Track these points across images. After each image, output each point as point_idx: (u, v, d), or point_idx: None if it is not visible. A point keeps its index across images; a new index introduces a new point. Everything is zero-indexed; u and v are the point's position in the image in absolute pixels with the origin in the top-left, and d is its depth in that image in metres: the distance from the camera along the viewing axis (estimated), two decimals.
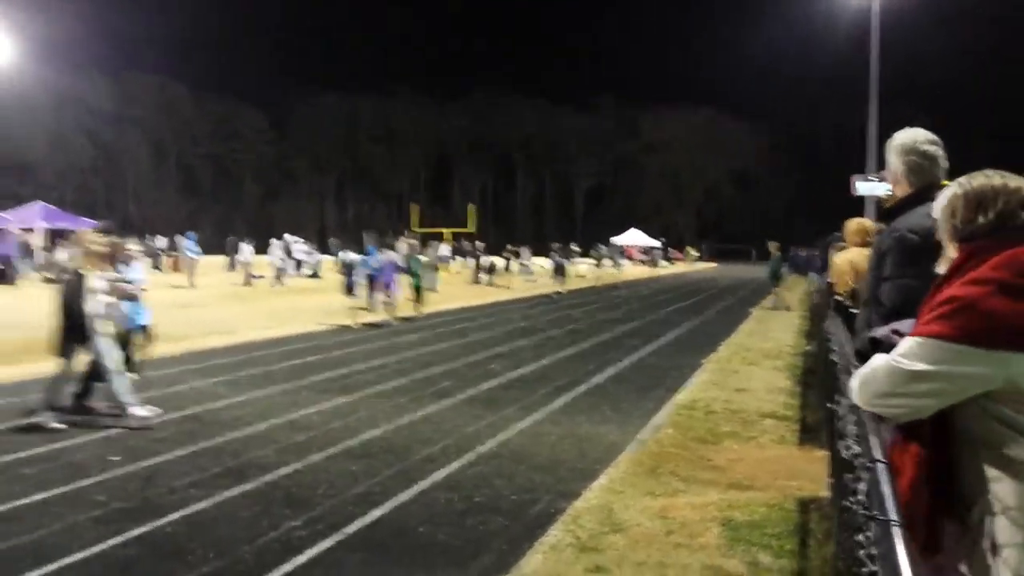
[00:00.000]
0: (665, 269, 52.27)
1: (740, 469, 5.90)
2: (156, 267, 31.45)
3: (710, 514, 4.84)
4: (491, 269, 30.64)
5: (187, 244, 26.84)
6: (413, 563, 4.22)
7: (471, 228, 55.33)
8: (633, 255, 56.91)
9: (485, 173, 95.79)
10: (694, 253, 63.72)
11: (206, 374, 9.54)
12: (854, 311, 4.41)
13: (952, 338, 1.66)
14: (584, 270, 37.46)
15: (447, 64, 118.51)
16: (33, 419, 6.93)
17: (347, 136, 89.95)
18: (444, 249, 38.41)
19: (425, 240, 32.68)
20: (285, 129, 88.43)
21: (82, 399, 7.39)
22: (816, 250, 24.66)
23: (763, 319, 18.64)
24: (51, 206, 35.73)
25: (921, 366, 1.69)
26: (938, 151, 3.04)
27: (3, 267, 24.69)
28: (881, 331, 2.09)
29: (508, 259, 31.52)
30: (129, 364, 8.98)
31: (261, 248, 31.80)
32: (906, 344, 1.75)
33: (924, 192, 2.95)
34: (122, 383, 7.02)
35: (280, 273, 27.41)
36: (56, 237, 33.69)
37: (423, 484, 5.50)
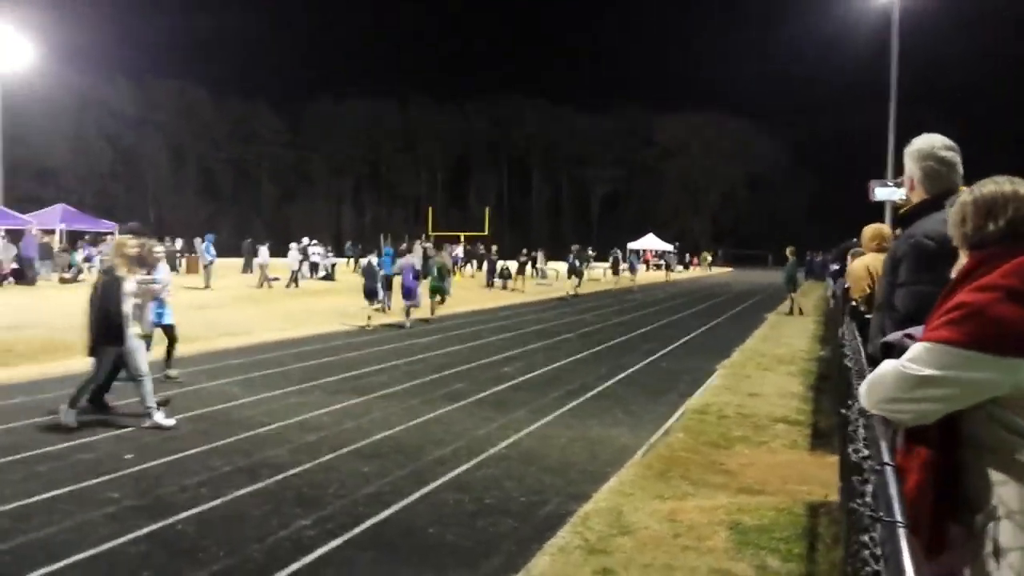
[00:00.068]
0: (680, 274, 52.08)
1: (751, 473, 5.86)
2: (174, 269, 31.74)
3: (719, 517, 4.82)
4: (505, 273, 30.66)
5: (204, 246, 27.06)
6: (422, 563, 4.22)
7: (486, 232, 55.41)
8: (649, 260, 56.80)
9: (501, 177, 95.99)
10: (708, 258, 63.44)
11: (220, 374, 9.61)
12: (869, 316, 4.37)
13: (961, 344, 1.65)
14: (598, 274, 37.45)
15: (465, 68, 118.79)
16: (53, 416, 7.02)
17: (365, 139, 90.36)
18: (457, 252, 38.56)
19: (440, 243, 32.75)
20: (303, 132, 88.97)
21: (100, 398, 7.47)
22: (832, 255, 24.50)
23: (778, 324, 18.53)
24: (71, 208, 36.20)
25: (929, 371, 1.69)
26: (955, 157, 3.01)
27: (24, 268, 25.02)
28: (894, 336, 2.08)
29: (523, 263, 31.50)
30: (167, 363, 9.15)
31: (277, 250, 32.03)
32: (915, 349, 1.75)
33: (940, 198, 2.92)
34: (149, 386, 7.08)
35: (296, 275, 27.58)
36: (76, 239, 34.21)
37: (433, 485, 5.50)
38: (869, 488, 1.99)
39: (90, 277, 29.47)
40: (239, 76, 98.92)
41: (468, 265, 41.19)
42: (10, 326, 13.71)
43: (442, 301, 17.46)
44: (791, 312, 21.01)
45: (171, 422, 6.98)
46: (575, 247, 28.65)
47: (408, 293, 15.96)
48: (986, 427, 1.69)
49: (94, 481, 5.40)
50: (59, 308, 17.53)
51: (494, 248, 33.19)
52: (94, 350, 7.11)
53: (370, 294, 16.23)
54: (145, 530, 4.53)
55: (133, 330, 7.10)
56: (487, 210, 62.72)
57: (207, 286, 24.33)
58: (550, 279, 36.43)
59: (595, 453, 6.47)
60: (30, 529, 4.51)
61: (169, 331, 9.23)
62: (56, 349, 11.30)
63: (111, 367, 7.25)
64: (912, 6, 25.56)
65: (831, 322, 13.11)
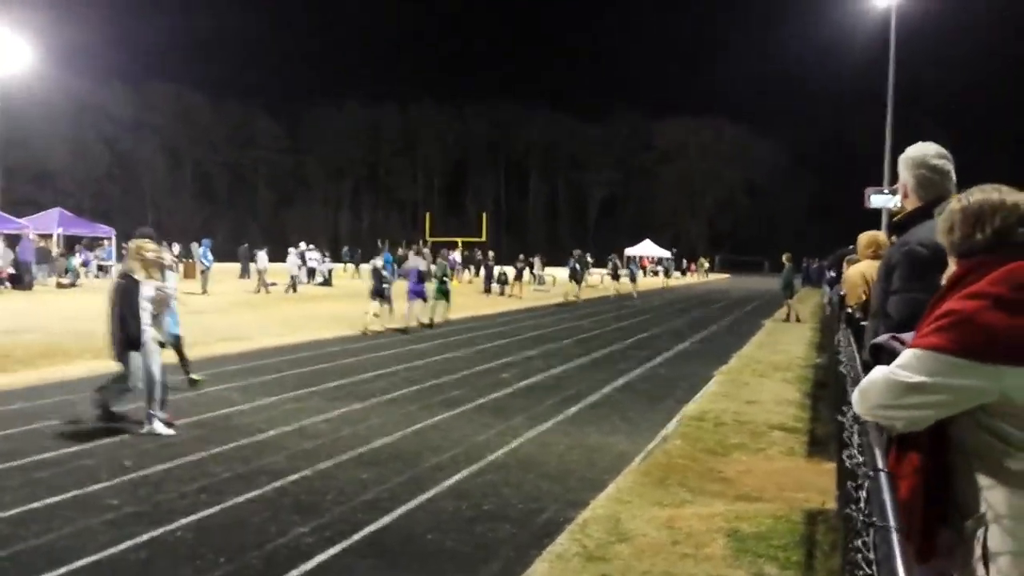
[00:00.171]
0: (678, 280, 52.13)
1: (748, 481, 5.89)
2: None
3: (716, 525, 4.84)
4: (503, 278, 30.71)
5: (200, 251, 27.07)
6: (421, 570, 4.24)
7: (483, 237, 55.43)
8: (646, 265, 56.84)
9: (499, 181, 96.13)
10: (706, 264, 63.55)
11: (218, 380, 9.61)
12: (865, 323, 4.41)
13: (949, 351, 1.68)
14: (596, 280, 37.47)
15: (462, 72, 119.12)
16: (80, 416, 7.13)
17: (362, 144, 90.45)
18: (454, 257, 38.57)
19: (436, 249, 32.77)
20: (300, 136, 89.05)
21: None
22: (828, 262, 24.55)
23: (775, 331, 18.57)
24: (68, 213, 36.17)
25: (918, 378, 1.72)
26: (948, 165, 3.05)
27: (21, 273, 25.00)
28: (882, 338, 2.11)
29: (520, 269, 31.54)
30: (186, 370, 9.15)
31: (274, 256, 32.04)
32: (904, 356, 1.78)
33: (933, 206, 2.96)
34: (157, 393, 7.08)
35: (294, 281, 27.61)
36: (73, 243, 34.18)
37: (432, 492, 5.52)
38: (863, 494, 2.03)
39: (87, 282, 29.49)
40: (236, 80, 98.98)
41: (466, 271, 41.22)
42: (7, 331, 13.70)
43: (445, 305, 17.81)
44: (788, 319, 21.06)
45: (170, 431, 6.97)
46: (576, 252, 28.67)
47: (414, 295, 16.37)
48: (974, 433, 1.73)
49: (94, 487, 5.41)
50: (56, 313, 17.52)
51: (491, 254, 33.19)
52: (120, 355, 7.08)
53: (377, 294, 16.38)
54: (145, 537, 4.54)
55: (150, 334, 7.10)
56: (484, 215, 62.77)
57: (204, 291, 24.33)
58: (548, 285, 36.46)
59: (593, 460, 6.49)
60: (29, 536, 4.52)
61: (176, 340, 9.19)
62: (54, 354, 11.30)
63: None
64: (910, 15, 25.69)
65: (828, 329, 13.15)
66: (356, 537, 4.64)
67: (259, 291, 26.22)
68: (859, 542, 1.79)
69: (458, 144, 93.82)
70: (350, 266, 45.57)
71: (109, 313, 7.12)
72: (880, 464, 1.99)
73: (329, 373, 10.55)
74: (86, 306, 19.26)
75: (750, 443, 7.13)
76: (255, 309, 20.28)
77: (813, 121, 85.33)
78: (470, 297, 26.69)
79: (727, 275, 66.57)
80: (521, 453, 6.66)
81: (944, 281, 1.89)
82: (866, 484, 2.00)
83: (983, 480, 1.71)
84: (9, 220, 29.48)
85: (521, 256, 33.12)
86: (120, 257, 38.00)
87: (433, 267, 18.04)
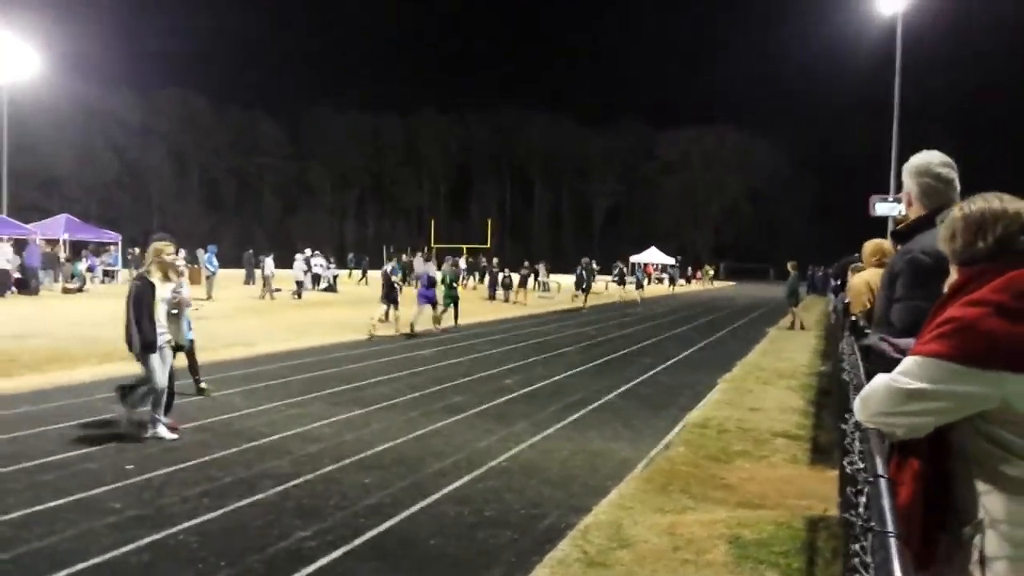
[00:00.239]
0: (683, 287, 52.09)
1: (750, 488, 5.88)
2: None
3: (718, 531, 4.83)
4: (507, 282, 30.79)
5: (206, 257, 27.15)
6: (423, 574, 4.24)
7: (488, 244, 55.52)
8: (651, 273, 56.82)
9: (503, 189, 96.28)
10: (711, 272, 63.50)
11: (222, 385, 9.63)
12: (869, 331, 4.40)
13: (950, 357, 1.68)
14: (600, 287, 37.46)
15: (467, 79, 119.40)
16: (113, 417, 7.22)
17: (367, 150, 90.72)
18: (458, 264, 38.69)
19: (441, 255, 32.84)
20: (305, 143, 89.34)
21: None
22: (833, 270, 24.50)
23: (779, 339, 18.54)
24: (75, 218, 36.35)
25: (918, 385, 1.72)
26: (952, 174, 3.04)
27: (28, 278, 25.09)
28: (872, 339, 2.12)
29: (525, 275, 31.56)
30: (197, 377, 9.15)
31: (280, 262, 32.15)
32: (906, 363, 1.78)
33: (937, 214, 2.96)
34: (164, 398, 7.10)
35: (300, 287, 27.69)
36: (80, 249, 34.33)
37: (434, 497, 5.52)
38: (863, 499, 2.03)
39: (93, 287, 29.59)
40: (242, 87, 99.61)
41: (471, 278, 41.26)
42: (14, 336, 13.76)
43: (455, 312, 18.12)
44: (793, 327, 21.02)
45: (173, 436, 6.99)
46: (584, 260, 28.68)
47: (424, 300, 16.74)
48: (973, 440, 1.73)
49: (96, 491, 5.43)
50: (63, 318, 17.58)
51: (495, 260, 33.22)
52: (141, 357, 7.05)
53: (388, 299, 16.64)
54: (147, 540, 4.55)
55: (162, 339, 7.12)
56: (489, 222, 62.90)
57: (209, 297, 24.38)
58: (552, 292, 36.46)
59: (595, 466, 6.48)
60: (32, 538, 4.54)
61: (189, 345, 9.19)
62: (60, 359, 11.34)
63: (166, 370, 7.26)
64: (916, 22, 25.69)
65: (832, 337, 13.11)
66: (358, 541, 4.64)
67: (264, 297, 26.28)
68: (857, 547, 1.79)
69: (462, 152, 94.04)
70: (356, 272, 45.65)
71: (126, 315, 7.05)
72: (880, 470, 1.99)
73: (332, 378, 10.56)
74: (92, 311, 19.35)
75: (753, 450, 7.12)
76: (260, 315, 20.32)
77: (817, 127, 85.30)
78: (474, 303, 26.69)
79: (732, 283, 66.47)
80: (523, 459, 6.65)
81: (946, 289, 1.90)
82: (866, 490, 2.00)
83: (981, 486, 1.71)
84: (16, 225, 29.62)
85: (526, 263, 33.15)
86: (127, 263, 38.22)
87: (439, 272, 18.31)
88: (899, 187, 3.33)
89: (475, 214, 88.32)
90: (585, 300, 27.55)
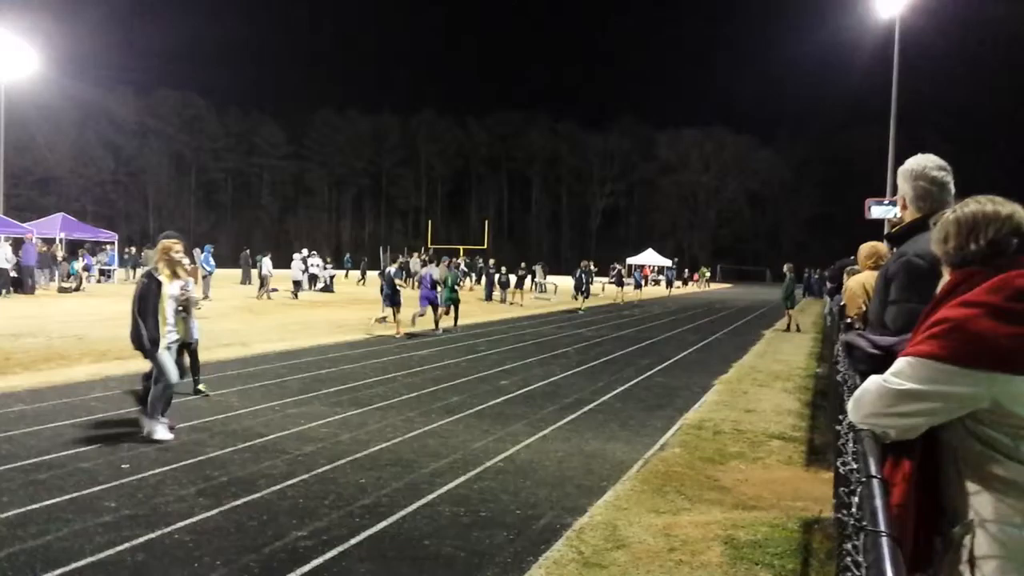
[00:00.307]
0: (680, 290, 52.13)
1: (745, 489, 5.89)
2: None
3: (713, 532, 4.84)
4: (504, 280, 30.82)
5: (202, 257, 27.12)
6: (418, 574, 4.24)
7: (485, 245, 55.54)
8: (647, 275, 56.86)
9: (501, 190, 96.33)
10: (707, 274, 63.57)
11: (218, 385, 9.62)
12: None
13: (941, 358, 1.69)
14: (596, 288, 37.48)
15: (467, 80, 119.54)
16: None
17: (364, 153, 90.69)
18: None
19: (437, 256, 32.85)
20: (303, 144, 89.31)
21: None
22: (829, 273, 24.54)
23: (775, 341, 18.57)
24: (71, 217, 36.29)
25: (911, 385, 1.73)
26: (947, 177, 3.06)
27: (23, 277, 25.04)
28: (849, 335, 2.14)
29: (522, 277, 31.58)
30: (196, 378, 9.12)
31: (277, 262, 32.15)
32: (898, 364, 1.79)
33: (931, 217, 2.97)
34: (163, 395, 7.08)
35: (297, 287, 27.68)
36: (75, 248, 34.28)
37: (430, 497, 5.52)
38: (855, 499, 2.04)
39: (89, 287, 29.53)
40: (239, 87, 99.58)
41: (468, 279, 41.23)
42: (9, 335, 13.73)
43: (455, 313, 18.21)
44: (789, 329, 21.07)
45: (169, 435, 6.97)
46: (583, 264, 28.70)
47: (426, 301, 16.90)
48: (963, 440, 1.74)
49: (92, 490, 5.42)
50: (58, 317, 17.55)
51: (491, 261, 33.22)
52: (150, 355, 6.97)
53: (390, 300, 16.76)
54: (142, 539, 4.55)
55: (170, 337, 7.10)
56: (487, 223, 62.91)
57: (205, 297, 24.35)
58: (549, 293, 36.48)
59: (591, 467, 6.49)
60: (28, 537, 4.53)
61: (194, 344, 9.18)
62: (55, 358, 11.32)
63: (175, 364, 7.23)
64: (914, 26, 25.78)
65: (828, 339, 13.14)
66: (353, 541, 4.64)
67: (261, 297, 26.26)
68: (850, 546, 1.80)
69: (460, 153, 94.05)
70: (353, 273, 45.62)
71: (132, 313, 6.95)
72: (874, 471, 2.00)
73: (329, 379, 10.56)
74: (88, 310, 19.33)
75: (748, 452, 7.13)
76: (257, 315, 20.31)
77: (815, 131, 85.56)
78: (471, 305, 26.69)
79: (729, 285, 66.55)
80: (519, 460, 6.66)
81: (938, 291, 1.91)
82: (859, 490, 2.01)
83: (971, 486, 1.72)
84: (12, 224, 29.58)
85: (523, 264, 33.16)
86: (123, 262, 38.15)
87: (452, 272, 18.58)
88: (895, 190, 3.34)
89: (473, 215, 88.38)
90: (583, 302, 27.66)
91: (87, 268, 31.74)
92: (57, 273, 29.16)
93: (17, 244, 27.32)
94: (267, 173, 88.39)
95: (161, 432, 6.95)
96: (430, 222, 67.33)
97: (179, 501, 5.26)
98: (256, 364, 11.65)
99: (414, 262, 33.40)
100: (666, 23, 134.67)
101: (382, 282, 17.38)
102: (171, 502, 5.24)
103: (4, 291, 23.83)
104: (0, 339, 13.01)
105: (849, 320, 6.52)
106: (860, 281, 6.47)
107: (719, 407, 9.38)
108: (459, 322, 18.42)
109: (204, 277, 25.89)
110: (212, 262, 26.54)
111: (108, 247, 36.74)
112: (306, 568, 4.23)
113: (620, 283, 33.90)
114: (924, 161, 3.10)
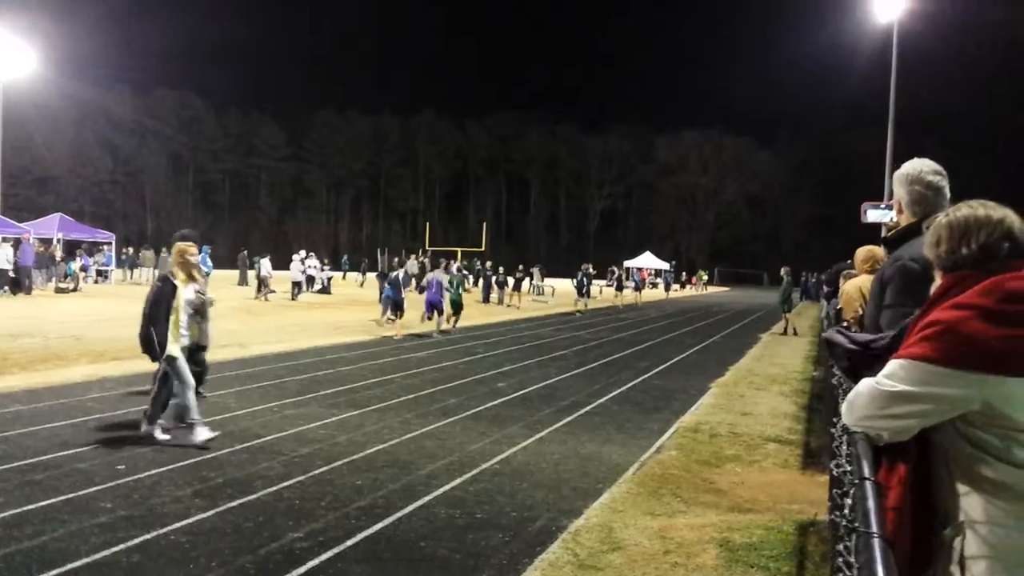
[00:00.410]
0: (677, 293, 52.18)
1: (741, 492, 5.90)
2: None
3: (708, 535, 4.85)
4: (501, 280, 30.83)
5: (200, 258, 27.10)
6: None
7: (483, 247, 55.54)
8: (645, 278, 56.90)
9: (499, 192, 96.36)
10: (704, 277, 63.63)
11: (215, 386, 9.61)
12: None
13: (933, 360, 1.71)
14: (594, 291, 37.50)
15: (466, 83, 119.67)
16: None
17: (363, 154, 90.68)
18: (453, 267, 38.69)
19: (436, 258, 32.87)
20: (302, 145, 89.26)
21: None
22: (826, 276, 24.57)
23: (772, 344, 18.59)
24: (68, 218, 36.26)
25: (902, 387, 1.74)
26: (942, 181, 3.07)
27: (20, 277, 25.00)
28: (829, 332, 2.15)
29: (519, 279, 31.59)
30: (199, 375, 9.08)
31: (276, 263, 32.13)
32: (890, 366, 1.81)
33: (925, 221, 2.98)
34: (165, 398, 7.07)
35: (297, 288, 27.69)
36: (73, 248, 34.25)
37: (426, 499, 5.53)
38: (848, 501, 2.05)
39: (86, 287, 29.50)
40: (239, 88, 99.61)
41: (465, 280, 41.23)
42: (6, 335, 13.72)
43: (456, 315, 18.35)
44: (785, 332, 21.10)
45: (166, 436, 6.96)
46: (584, 267, 28.73)
47: (431, 306, 17.04)
48: (953, 442, 1.76)
49: (88, 491, 5.42)
50: (55, 317, 17.53)
51: (488, 264, 33.23)
52: (158, 361, 6.93)
53: (395, 306, 16.89)
54: (137, 540, 4.55)
55: (182, 341, 7.07)
56: (484, 225, 62.92)
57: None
58: (547, 296, 36.49)
59: (587, 469, 6.50)
60: (24, 537, 4.53)
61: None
62: (52, 358, 11.31)
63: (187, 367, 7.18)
64: (913, 31, 25.84)
65: (825, 343, 13.17)
66: (349, 543, 4.64)
67: (259, 298, 26.25)
68: (842, 547, 1.81)
69: (459, 155, 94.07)
70: (352, 275, 45.61)
71: (143, 316, 6.86)
72: (867, 473, 2.01)
73: (326, 380, 10.56)
74: (85, 311, 19.31)
75: (744, 455, 7.14)
76: (254, 316, 20.30)
77: (814, 133, 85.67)
78: (469, 307, 26.63)
79: (727, 288, 66.60)
80: (516, 462, 6.66)
81: (930, 294, 1.92)
82: (852, 492, 2.03)
83: (962, 488, 1.74)
84: (9, 224, 29.54)
85: (520, 266, 33.17)
86: (120, 262, 38.10)
87: (456, 275, 18.74)
88: (892, 194, 3.35)
89: (471, 217, 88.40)
90: (578, 304, 27.65)
91: (84, 269, 31.71)
92: (54, 274, 29.11)
93: (17, 244, 27.29)
94: (265, 174, 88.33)
95: (202, 433, 6.75)
96: (428, 224, 67.36)
97: (175, 502, 5.26)
98: (254, 365, 11.65)
99: (411, 264, 33.42)
100: (666, 25, 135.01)
101: (382, 284, 17.50)
102: (167, 503, 5.24)
103: (2, 291, 23.79)
104: None
105: (846, 324, 6.55)
106: (856, 285, 6.48)
107: (715, 410, 9.40)
108: (457, 324, 18.44)
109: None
110: (210, 263, 26.49)
111: (105, 247, 36.70)
112: (302, 569, 4.23)
113: (620, 287, 33.94)
114: (920, 165, 3.11)
